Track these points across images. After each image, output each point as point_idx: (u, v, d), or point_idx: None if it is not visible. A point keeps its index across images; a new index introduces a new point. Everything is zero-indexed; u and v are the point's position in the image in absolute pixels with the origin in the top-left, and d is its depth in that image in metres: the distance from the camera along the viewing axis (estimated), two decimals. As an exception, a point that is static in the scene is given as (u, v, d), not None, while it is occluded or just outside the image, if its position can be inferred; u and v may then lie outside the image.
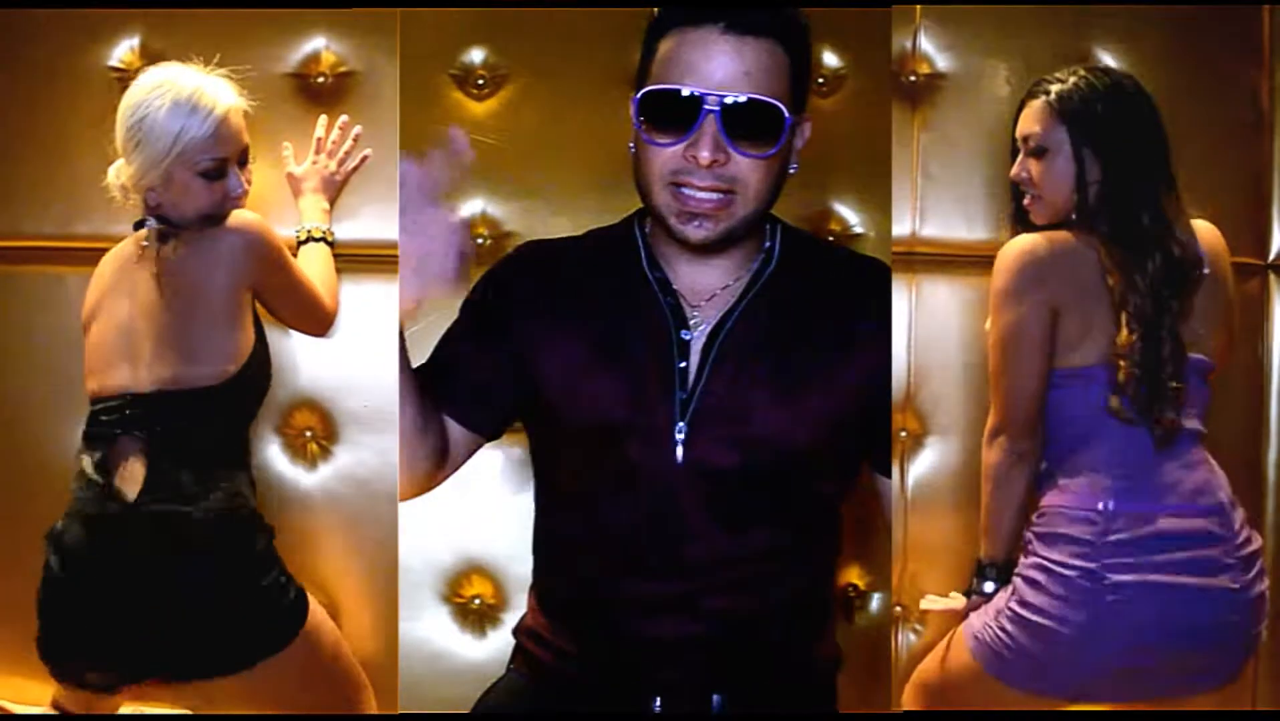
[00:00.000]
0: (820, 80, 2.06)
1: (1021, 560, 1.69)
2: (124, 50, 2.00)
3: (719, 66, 1.38)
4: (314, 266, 1.90)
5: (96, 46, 1.99)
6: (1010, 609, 1.65)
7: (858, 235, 2.06)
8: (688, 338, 1.49)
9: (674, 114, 1.39)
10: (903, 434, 2.03)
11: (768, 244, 1.55)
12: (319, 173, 1.95)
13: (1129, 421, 1.63)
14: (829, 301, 1.53)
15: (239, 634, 1.69)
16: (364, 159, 1.98)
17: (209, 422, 1.74)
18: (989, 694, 1.68)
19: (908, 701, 1.81)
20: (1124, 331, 1.62)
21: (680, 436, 1.46)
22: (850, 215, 2.07)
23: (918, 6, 2.03)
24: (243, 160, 1.80)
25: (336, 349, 1.96)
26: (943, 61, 2.04)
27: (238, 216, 1.75)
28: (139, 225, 1.80)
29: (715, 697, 1.50)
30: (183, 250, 1.74)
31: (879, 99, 2.02)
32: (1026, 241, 1.68)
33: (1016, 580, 1.67)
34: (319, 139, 1.96)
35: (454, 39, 2.04)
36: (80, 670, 1.72)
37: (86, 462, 1.73)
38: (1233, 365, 1.90)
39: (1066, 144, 1.69)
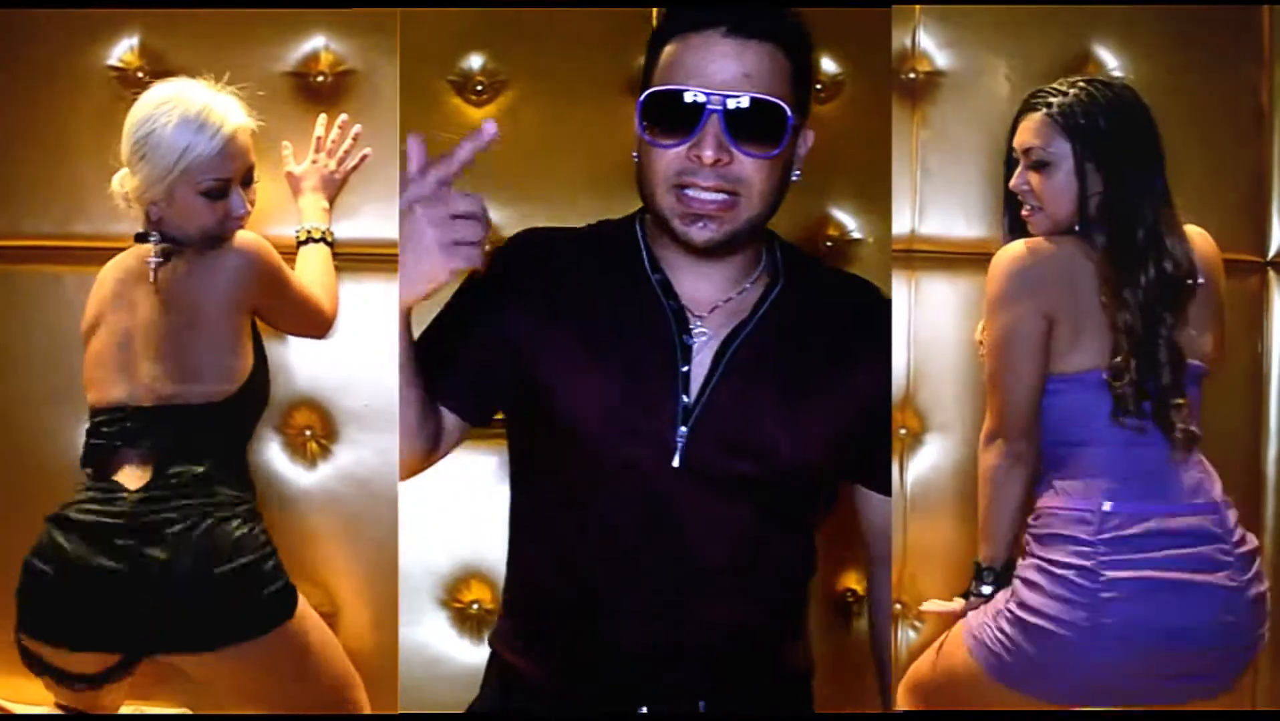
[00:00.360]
0: (819, 86, 2.06)
1: (1020, 562, 1.69)
2: (124, 50, 2.00)
3: (721, 69, 1.39)
4: (313, 270, 1.90)
5: (96, 46, 1.99)
6: (1009, 610, 1.65)
7: (856, 240, 2.06)
8: (690, 343, 1.49)
9: (677, 116, 1.40)
10: (902, 432, 2.03)
11: (766, 258, 1.55)
12: (318, 171, 1.95)
13: (1139, 431, 1.64)
14: (835, 324, 1.54)
15: (221, 610, 1.68)
16: (364, 158, 1.98)
17: (208, 437, 1.75)
18: (985, 695, 1.67)
19: (901, 702, 1.81)
20: (1116, 347, 1.63)
21: (680, 441, 1.45)
22: (848, 221, 2.07)
23: (917, 6, 2.03)
24: (247, 180, 1.80)
25: (336, 348, 1.96)
26: (942, 59, 2.04)
27: (239, 238, 1.76)
28: (140, 237, 1.80)
29: (701, 703, 1.50)
30: (184, 269, 1.75)
31: (877, 105, 2.02)
32: (1019, 247, 1.69)
33: (1015, 582, 1.67)
34: (319, 138, 1.96)
35: (453, 45, 2.04)
36: (59, 653, 1.71)
37: (90, 471, 1.75)
38: (1232, 364, 1.90)
39: (1069, 157, 1.69)
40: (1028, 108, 1.74)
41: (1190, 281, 1.66)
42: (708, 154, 1.38)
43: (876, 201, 2.03)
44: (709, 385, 1.47)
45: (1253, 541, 1.67)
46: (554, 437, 1.50)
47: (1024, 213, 1.75)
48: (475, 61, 2.04)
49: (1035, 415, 1.68)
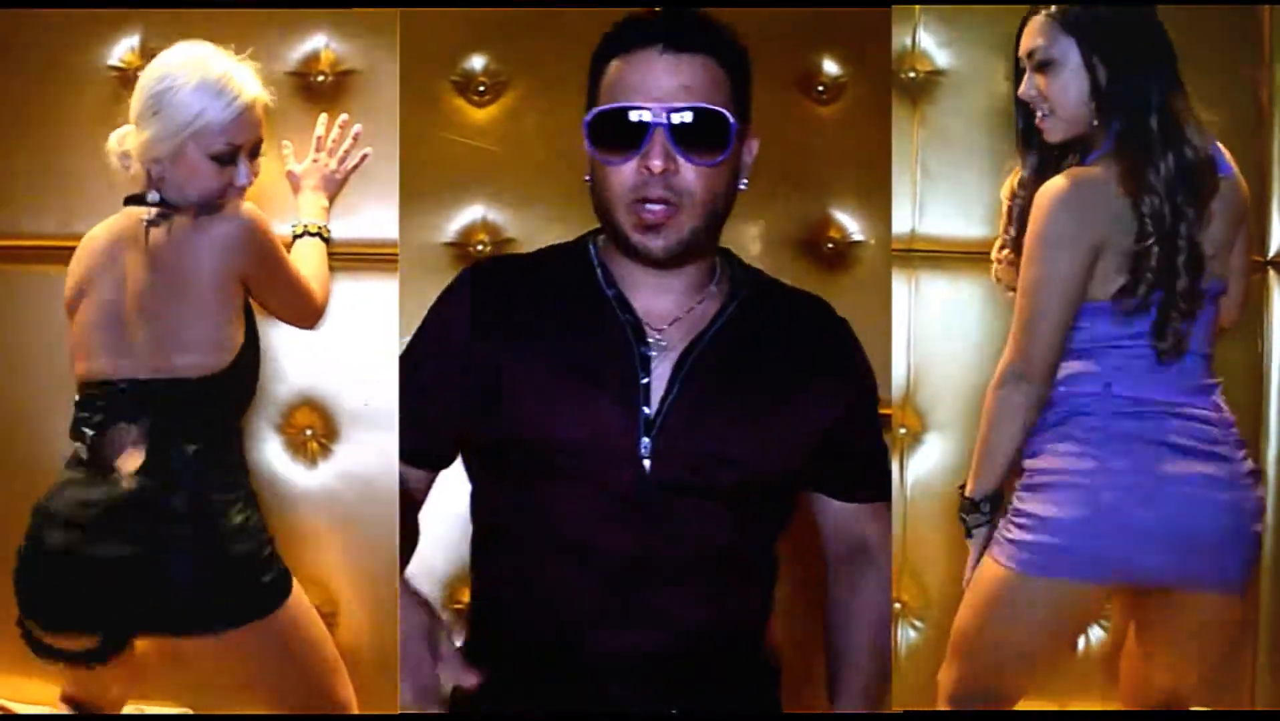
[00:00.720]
0: (820, 88, 2.07)
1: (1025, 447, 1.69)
2: (124, 50, 2.00)
3: (661, 83, 1.44)
4: (308, 261, 1.90)
5: (96, 46, 2.00)
6: (1017, 486, 1.67)
7: (856, 241, 2.07)
8: (649, 354, 1.51)
9: (624, 132, 1.44)
10: (902, 431, 2.03)
11: (720, 271, 1.59)
12: (319, 171, 1.96)
13: (1137, 336, 1.64)
14: (792, 339, 1.58)
15: (216, 595, 1.68)
16: (364, 157, 1.98)
17: (201, 411, 1.73)
18: (1021, 600, 1.65)
19: (948, 667, 1.75)
20: (1141, 232, 1.61)
21: (645, 452, 1.47)
22: (849, 221, 2.07)
23: (917, 6, 2.04)
24: (254, 152, 1.80)
25: (336, 347, 1.96)
26: (942, 59, 2.04)
27: (238, 207, 1.75)
28: (134, 199, 1.79)
29: (673, 712, 1.50)
30: (179, 232, 1.73)
31: (877, 105, 2.03)
32: (1063, 181, 1.66)
33: (1024, 462, 1.68)
34: (319, 137, 1.97)
35: (455, 45, 2.04)
36: (57, 635, 1.71)
37: (82, 449, 1.72)
38: (1232, 364, 1.90)
39: (1075, 53, 1.67)
40: (1029, 14, 1.72)
41: (1212, 176, 1.65)
42: (656, 164, 1.43)
43: (876, 202, 2.03)
44: (669, 396, 1.49)
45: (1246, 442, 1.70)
46: (524, 459, 1.51)
47: (1037, 120, 1.73)
48: (477, 62, 2.04)
49: (1059, 356, 1.67)
